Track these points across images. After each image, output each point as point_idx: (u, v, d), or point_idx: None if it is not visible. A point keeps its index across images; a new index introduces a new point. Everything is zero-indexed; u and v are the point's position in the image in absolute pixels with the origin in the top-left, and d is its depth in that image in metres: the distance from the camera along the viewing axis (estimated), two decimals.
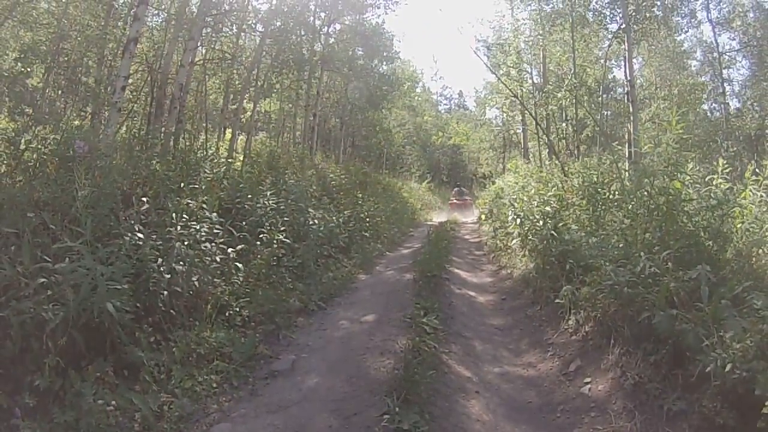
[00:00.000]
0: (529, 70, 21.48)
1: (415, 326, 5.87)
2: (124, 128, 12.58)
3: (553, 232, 7.75)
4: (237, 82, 16.90)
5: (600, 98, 19.24)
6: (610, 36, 16.96)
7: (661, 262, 4.87)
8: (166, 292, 5.26)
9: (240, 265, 6.76)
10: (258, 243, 7.77)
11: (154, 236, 5.65)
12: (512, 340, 6.42)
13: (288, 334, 6.01)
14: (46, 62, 13.64)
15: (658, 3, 16.43)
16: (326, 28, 20.95)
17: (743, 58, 20.84)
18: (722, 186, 5.55)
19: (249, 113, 17.94)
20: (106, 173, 6.19)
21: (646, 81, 21.81)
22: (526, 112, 20.76)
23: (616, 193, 7.85)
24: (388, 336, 5.80)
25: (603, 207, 7.86)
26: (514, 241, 9.77)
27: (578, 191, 9.03)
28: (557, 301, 6.34)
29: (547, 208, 8.62)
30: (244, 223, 7.99)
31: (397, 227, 16.08)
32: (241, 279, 6.65)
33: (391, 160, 34.38)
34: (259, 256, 7.47)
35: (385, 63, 26.28)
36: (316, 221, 9.90)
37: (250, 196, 8.68)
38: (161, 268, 5.31)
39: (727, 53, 20.75)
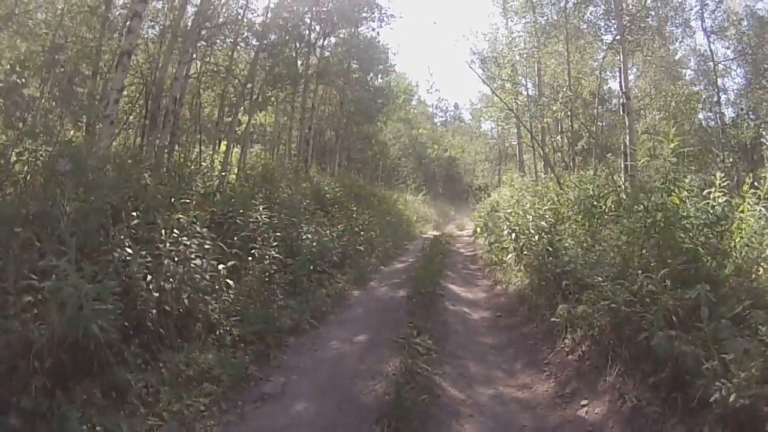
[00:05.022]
0: (524, 83, 21.52)
1: (407, 347, 5.75)
2: (119, 140, 12.58)
3: (548, 247, 7.64)
4: (232, 95, 16.87)
5: (595, 110, 19.21)
6: (604, 47, 16.95)
7: (660, 280, 4.75)
8: (155, 311, 5.16)
9: (231, 283, 6.65)
10: (250, 259, 7.65)
11: (144, 252, 5.54)
12: (507, 360, 6.27)
13: (279, 355, 5.86)
14: (40, 74, 13.61)
15: (653, 13, 16.42)
16: (321, 41, 21.00)
17: (738, 66, 20.84)
18: (720, 200, 5.46)
19: (244, 126, 17.90)
20: (96, 187, 6.13)
21: (641, 92, 21.78)
22: (521, 124, 20.72)
23: (612, 207, 7.77)
24: (380, 358, 5.66)
25: (599, 221, 7.78)
26: (509, 256, 9.65)
27: (574, 205, 8.94)
28: (553, 319, 6.21)
29: (543, 223, 8.53)
30: (235, 238, 7.87)
31: (391, 241, 15.96)
32: (231, 297, 6.53)
33: (387, 173, 34.42)
34: (250, 273, 7.35)
35: (380, 76, 26.29)
36: (309, 236, 9.78)
37: (241, 210, 8.57)
38: (150, 286, 5.22)
39: (722, 62, 20.75)
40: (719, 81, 20.83)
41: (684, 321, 4.40)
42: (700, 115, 21.60)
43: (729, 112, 21.15)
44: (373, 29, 23.05)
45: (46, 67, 14.00)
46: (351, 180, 20.80)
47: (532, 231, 8.59)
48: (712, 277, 4.86)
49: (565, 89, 17.44)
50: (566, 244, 7.39)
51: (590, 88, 19.48)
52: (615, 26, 14.86)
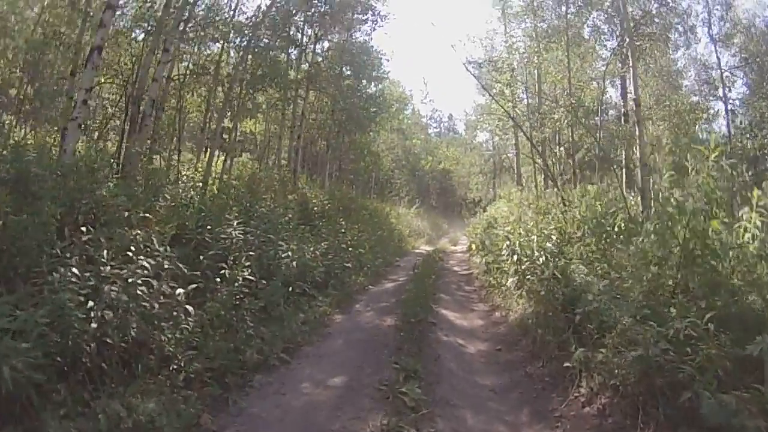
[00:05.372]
0: (523, 89, 20.85)
1: (392, 398, 4.82)
2: (100, 145, 11.82)
3: (558, 273, 6.71)
4: (218, 100, 16.11)
5: (598, 119, 18.53)
6: (607, 54, 16.32)
7: (702, 323, 3.86)
8: (93, 345, 4.44)
9: (191, 309, 5.75)
10: (219, 280, 6.76)
11: (88, 274, 4.85)
12: (510, 408, 5.25)
13: (238, 400, 4.92)
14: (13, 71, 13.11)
15: (657, 21, 15.73)
16: (313, 45, 20.38)
17: (743, 75, 20.25)
18: (756, 221, 4.62)
19: (231, 133, 17.17)
20: (39, 198, 5.61)
21: (642, 102, 21.16)
22: (519, 134, 20.03)
23: (623, 227, 6.93)
24: (358, 411, 4.68)
25: (610, 244, 6.92)
26: (510, 280, 8.70)
27: (582, 224, 8.08)
28: (567, 364, 5.24)
29: (548, 244, 7.64)
30: (202, 257, 7.01)
31: (382, 257, 15.12)
32: (191, 325, 5.63)
33: (380, 185, 33.77)
34: (218, 294, 6.46)
35: (373, 83, 25.56)
36: (289, 254, 8.87)
37: (209, 227, 7.74)
38: (92, 314, 4.53)
39: (728, 71, 20.15)
40: (725, 90, 20.26)
41: (733, 375, 3.54)
42: (696, 127, 21.03)
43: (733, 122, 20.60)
44: (367, 33, 22.52)
45: (32, 66, 13.46)
46: (341, 192, 20.03)
47: (537, 253, 7.69)
48: (761, 319, 4.01)
49: (566, 96, 16.71)
50: (576, 270, 6.50)
51: (592, 96, 18.86)
52: (620, 29, 14.18)
